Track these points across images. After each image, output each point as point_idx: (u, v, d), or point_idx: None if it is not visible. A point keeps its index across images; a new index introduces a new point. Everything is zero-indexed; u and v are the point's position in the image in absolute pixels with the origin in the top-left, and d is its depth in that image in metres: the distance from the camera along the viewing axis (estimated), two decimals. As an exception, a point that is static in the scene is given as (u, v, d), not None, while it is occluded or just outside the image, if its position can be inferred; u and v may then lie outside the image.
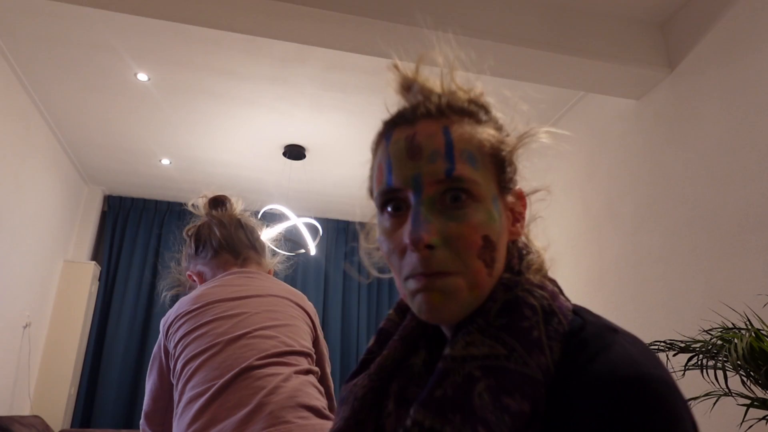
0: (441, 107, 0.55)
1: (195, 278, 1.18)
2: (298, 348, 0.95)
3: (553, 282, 0.55)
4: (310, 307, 1.10)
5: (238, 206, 1.25)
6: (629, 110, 2.84)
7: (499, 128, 0.58)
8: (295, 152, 3.93)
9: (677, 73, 2.52)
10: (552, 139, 0.60)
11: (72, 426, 4.22)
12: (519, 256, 0.56)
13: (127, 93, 3.32)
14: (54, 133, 3.78)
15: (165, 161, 4.21)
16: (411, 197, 0.51)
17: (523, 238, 0.58)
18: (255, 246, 1.20)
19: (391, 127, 0.56)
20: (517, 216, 0.57)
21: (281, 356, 0.90)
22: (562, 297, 0.53)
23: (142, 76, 3.15)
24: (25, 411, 3.84)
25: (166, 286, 1.25)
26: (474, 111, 0.56)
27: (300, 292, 1.12)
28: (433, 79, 0.61)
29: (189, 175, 4.37)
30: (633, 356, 0.45)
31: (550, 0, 2.50)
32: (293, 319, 1.00)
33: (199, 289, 1.06)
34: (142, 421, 1.04)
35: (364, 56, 2.79)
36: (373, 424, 0.54)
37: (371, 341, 0.62)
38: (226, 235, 1.16)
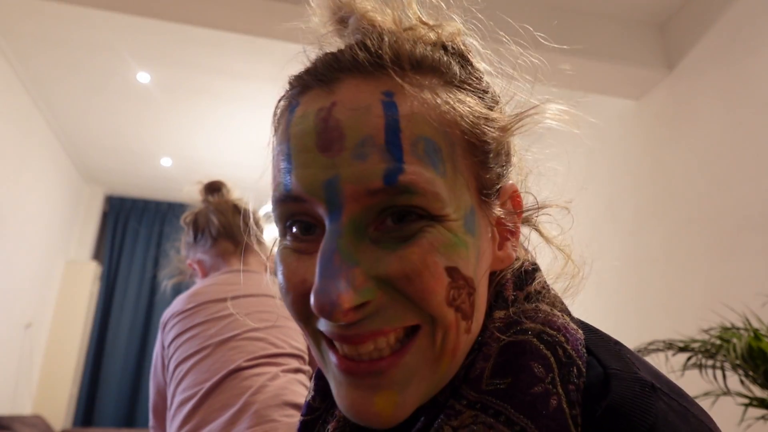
0: (381, 55, 0.33)
1: (195, 267, 1.18)
2: (287, 350, 0.94)
3: (559, 300, 0.38)
4: None
5: (234, 192, 1.25)
6: (629, 110, 2.85)
7: (483, 93, 0.37)
8: (295, 152, 3.93)
9: (676, 73, 2.53)
10: (564, 122, 0.43)
11: (73, 425, 4.23)
12: (518, 280, 0.38)
13: (128, 93, 3.32)
14: (55, 133, 3.79)
15: (166, 161, 4.22)
16: (324, 216, 0.32)
17: (528, 256, 0.41)
18: (254, 231, 1.19)
19: (298, 90, 0.35)
20: (507, 234, 0.37)
21: (270, 357, 0.90)
22: (571, 324, 0.35)
23: (143, 77, 3.15)
24: (26, 410, 3.85)
25: (167, 275, 1.24)
26: (443, 64, 0.35)
27: None
28: (381, 6, 0.37)
29: (190, 176, 4.36)
30: None
31: (549, 0, 2.50)
32: (285, 320, 0.99)
33: (195, 287, 1.05)
34: (150, 419, 1.04)
35: (364, 57, 2.79)
36: None
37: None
38: (224, 223, 1.15)
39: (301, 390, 0.89)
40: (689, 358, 1.49)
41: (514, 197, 0.38)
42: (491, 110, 0.37)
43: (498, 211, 0.36)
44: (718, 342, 1.44)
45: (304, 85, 0.35)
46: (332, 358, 0.33)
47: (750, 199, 2.07)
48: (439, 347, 0.32)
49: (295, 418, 0.82)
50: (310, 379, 1.02)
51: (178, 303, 1.01)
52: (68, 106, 3.49)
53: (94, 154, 4.17)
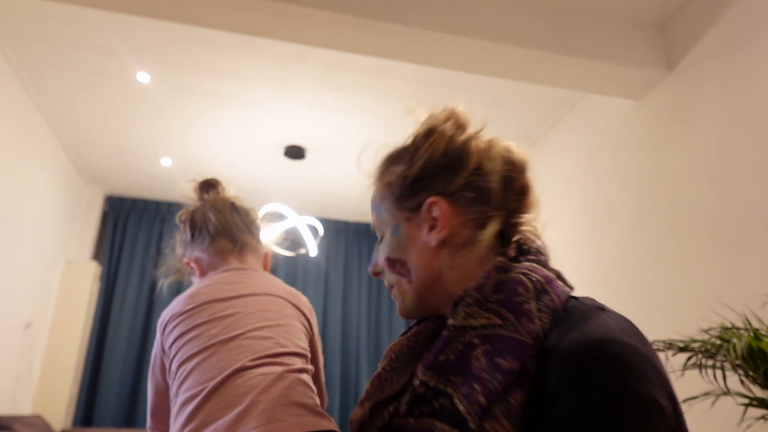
0: (372, 174, 0.72)
1: (193, 265, 1.16)
2: (292, 348, 0.93)
3: (556, 272, 0.61)
4: (305, 305, 1.08)
5: (229, 190, 1.23)
6: (628, 111, 2.85)
7: (411, 160, 0.67)
8: (295, 152, 3.93)
9: (676, 73, 2.53)
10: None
11: (73, 425, 4.23)
12: (522, 248, 0.62)
13: (128, 93, 3.32)
14: (54, 133, 3.79)
15: (166, 161, 4.22)
16: None
17: (528, 230, 0.65)
18: (251, 230, 1.18)
19: None
20: (431, 224, 0.64)
21: (274, 357, 0.89)
22: (559, 282, 0.59)
23: (143, 77, 3.15)
24: (26, 410, 3.85)
25: (163, 273, 1.23)
26: (399, 156, 0.69)
27: (295, 290, 1.09)
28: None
29: (190, 176, 4.35)
30: (608, 326, 0.50)
31: (549, 0, 2.50)
32: (288, 319, 0.99)
33: (194, 287, 1.04)
34: (148, 420, 1.03)
35: (364, 56, 2.79)
36: (407, 378, 0.63)
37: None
38: (221, 220, 1.14)
39: (306, 390, 0.88)
40: (689, 358, 1.49)
41: (429, 206, 0.64)
42: (406, 170, 0.66)
43: (422, 217, 0.65)
44: (718, 342, 1.44)
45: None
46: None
47: (750, 199, 2.07)
48: (401, 288, 0.67)
49: (302, 417, 0.82)
50: (312, 379, 1.02)
51: (178, 304, 1.00)
52: (68, 106, 3.49)
53: (94, 154, 4.17)
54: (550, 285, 0.57)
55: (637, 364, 0.46)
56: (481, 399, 0.50)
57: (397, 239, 0.66)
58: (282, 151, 3.97)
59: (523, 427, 0.50)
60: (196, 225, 1.16)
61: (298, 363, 0.93)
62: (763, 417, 1.40)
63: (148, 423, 1.03)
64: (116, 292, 4.67)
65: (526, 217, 0.66)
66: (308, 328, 1.04)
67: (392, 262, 0.67)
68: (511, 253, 0.61)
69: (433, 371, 0.55)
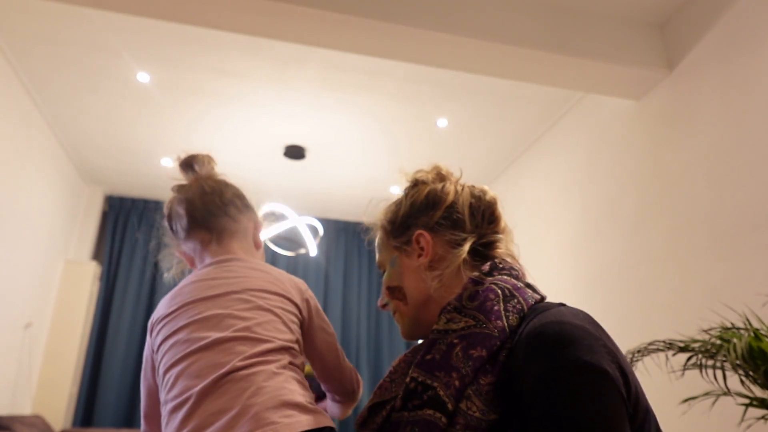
0: (376, 222, 0.87)
1: (182, 258, 1.13)
2: (277, 344, 0.91)
3: (526, 283, 0.73)
4: (293, 288, 1.03)
5: (208, 165, 1.16)
6: (629, 111, 2.85)
7: (401, 206, 0.83)
8: (295, 152, 3.93)
9: (677, 73, 2.53)
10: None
11: (73, 425, 4.23)
12: (494, 265, 0.74)
13: (128, 93, 3.32)
14: (54, 133, 3.79)
15: (166, 162, 4.22)
16: None
17: (502, 251, 0.78)
18: (227, 212, 1.10)
19: None
20: (419, 252, 0.79)
21: (261, 355, 0.88)
22: (528, 291, 0.70)
23: (143, 77, 3.15)
24: (26, 410, 3.85)
25: (166, 266, 1.18)
26: (393, 205, 0.85)
27: (281, 275, 1.04)
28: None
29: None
30: (561, 313, 0.60)
31: (549, 1, 2.50)
32: (270, 314, 0.95)
33: (177, 287, 1.02)
34: (142, 424, 1.02)
35: (364, 56, 2.79)
36: (403, 386, 0.70)
37: None
38: (191, 211, 1.09)
39: (297, 388, 0.87)
40: (689, 358, 1.49)
41: (417, 237, 0.79)
42: (398, 213, 0.83)
43: (412, 248, 0.79)
44: (719, 342, 1.44)
45: None
46: None
47: (750, 199, 2.07)
48: (400, 312, 0.80)
49: (295, 418, 0.82)
50: (319, 368, 1.02)
51: (162, 306, 0.98)
52: (68, 106, 3.49)
53: (94, 154, 4.17)
54: (517, 292, 0.68)
55: (584, 339, 0.55)
56: (457, 383, 0.61)
57: (394, 269, 0.80)
58: (282, 151, 3.97)
59: (500, 405, 0.60)
60: (172, 219, 1.13)
61: (286, 358, 0.91)
62: (763, 417, 1.40)
63: (142, 427, 1.01)
64: (116, 292, 4.67)
65: (499, 240, 0.79)
66: (298, 313, 1.01)
67: (392, 290, 0.80)
68: (486, 269, 0.73)
69: (421, 368, 0.65)
